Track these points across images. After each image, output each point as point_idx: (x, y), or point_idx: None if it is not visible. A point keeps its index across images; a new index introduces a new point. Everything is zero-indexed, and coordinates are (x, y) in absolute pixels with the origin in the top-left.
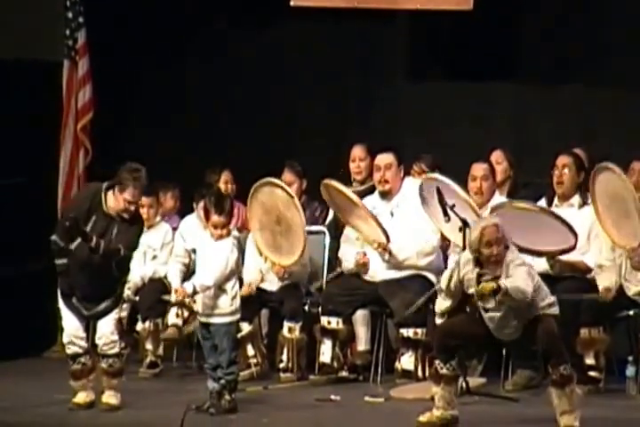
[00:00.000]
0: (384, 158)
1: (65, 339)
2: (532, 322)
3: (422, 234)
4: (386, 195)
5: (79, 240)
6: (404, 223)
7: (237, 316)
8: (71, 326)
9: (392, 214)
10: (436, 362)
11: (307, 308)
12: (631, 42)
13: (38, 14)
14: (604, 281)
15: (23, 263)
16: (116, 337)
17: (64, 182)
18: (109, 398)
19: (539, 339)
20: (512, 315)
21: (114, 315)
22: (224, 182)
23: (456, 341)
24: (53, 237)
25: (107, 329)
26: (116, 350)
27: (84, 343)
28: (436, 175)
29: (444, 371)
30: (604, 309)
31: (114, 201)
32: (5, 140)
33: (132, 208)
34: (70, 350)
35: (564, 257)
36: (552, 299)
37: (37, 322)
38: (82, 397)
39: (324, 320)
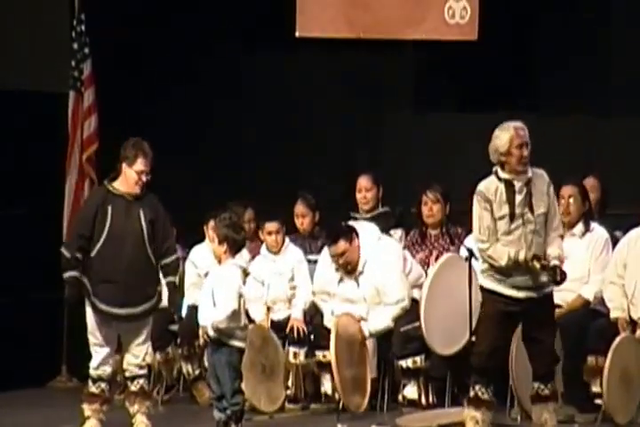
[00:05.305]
0: (338, 248)
1: (94, 363)
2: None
3: (393, 294)
4: (350, 272)
5: (104, 237)
6: (373, 288)
7: (238, 343)
8: (103, 351)
9: (358, 285)
10: (477, 387)
11: (312, 336)
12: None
13: (44, 46)
14: (614, 305)
15: (26, 293)
16: (145, 363)
17: (69, 213)
18: (140, 425)
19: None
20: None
21: (147, 346)
22: (247, 221)
23: (495, 359)
24: (62, 249)
25: (137, 359)
26: (145, 371)
27: (110, 370)
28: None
29: (486, 396)
30: (610, 336)
31: (125, 182)
32: (10, 170)
33: (145, 179)
34: (96, 373)
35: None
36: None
37: (41, 352)
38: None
39: (319, 354)
